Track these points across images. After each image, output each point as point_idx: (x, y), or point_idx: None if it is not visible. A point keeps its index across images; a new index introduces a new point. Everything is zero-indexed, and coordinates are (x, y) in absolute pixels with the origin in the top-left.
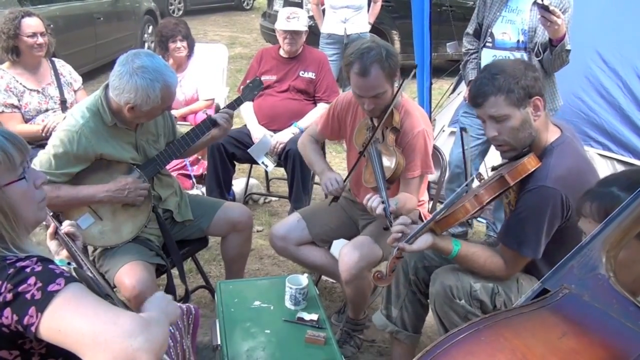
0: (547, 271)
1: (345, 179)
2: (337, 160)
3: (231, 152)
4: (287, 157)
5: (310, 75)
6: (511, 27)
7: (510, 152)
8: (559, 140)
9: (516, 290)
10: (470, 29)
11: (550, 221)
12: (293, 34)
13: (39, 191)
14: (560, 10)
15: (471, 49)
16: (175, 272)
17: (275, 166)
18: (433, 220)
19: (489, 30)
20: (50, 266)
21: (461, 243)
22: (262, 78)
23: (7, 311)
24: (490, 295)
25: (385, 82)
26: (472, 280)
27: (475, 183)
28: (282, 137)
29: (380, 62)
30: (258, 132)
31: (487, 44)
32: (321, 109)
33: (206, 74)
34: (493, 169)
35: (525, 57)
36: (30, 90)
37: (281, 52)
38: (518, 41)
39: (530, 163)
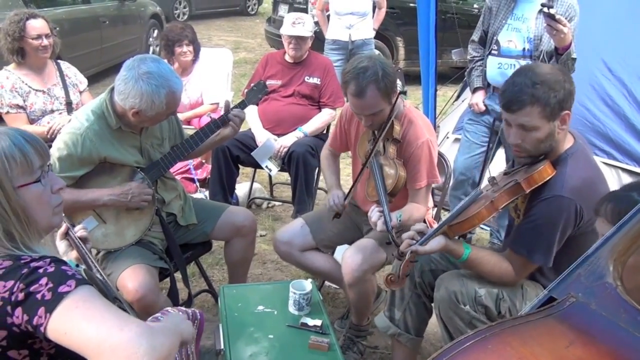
0: (553, 278)
1: (346, 197)
2: (342, 166)
3: (236, 154)
4: (291, 160)
5: (316, 80)
6: (517, 35)
7: (526, 158)
8: (573, 149)
9: (521, 297)
10: (475, 36)
11: (563, 230)
12: (298, 39)
13: (56, 196)
14: (566, 18)
15: (476, 57)
16: (178, 275)
17: (279, 170)
18: (447, 224)
19: (495, 37)
20: (63, 267)
21: (471, 247)
22: (267, 83)
23: (19, 311)
24: (495, 301)
25: (382, 101)
26: (477, 286)
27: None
28: (286, 141)
29: (376, 82)
30: (262, 136)
31: (493, 52)
32: (326, 114)
33: (211, 78)
34: (505, 173)
35: None
36: (36, 90)
37: (286, 57)
38: (524, 49)
39: (546, 171)
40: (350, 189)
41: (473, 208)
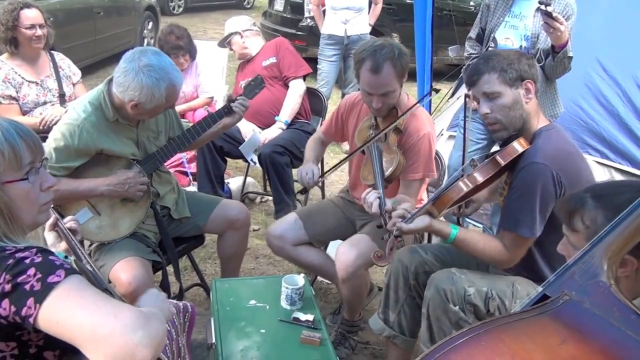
0: (548, 269)
1: (322, 174)
2: (335, 161)
3: (219, 145)
4: (261, 162)
5: (271, 60)
6: (514, 33)
7: (501, 131)
8: (548, 127)
9: (510, 295)
10: (472, 33)
11: (543, 197)
12: (229, 41)
13: (45, 194)
14: (563, 16)
15: (473, 54)
16: (170, 269)
17: None
18: (431, 202)
19: (492, 35)
20: (51, 257)
21: (459, 227)
22: (240, 83)
23: (5, 302)
24: (484, 300)
25: (396, 80)
26: (467, 285)
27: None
28: (270, 133)
29: (392, 59)
30: (247, 128)
31: (490, 49)
32: (294, 88)
33: (206, 72)
34: (487, 156)
35: None
36: (29, 82)
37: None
38: (520, 47)
39: (520, 144)
40: (330, 169)
41: (452, 184)
